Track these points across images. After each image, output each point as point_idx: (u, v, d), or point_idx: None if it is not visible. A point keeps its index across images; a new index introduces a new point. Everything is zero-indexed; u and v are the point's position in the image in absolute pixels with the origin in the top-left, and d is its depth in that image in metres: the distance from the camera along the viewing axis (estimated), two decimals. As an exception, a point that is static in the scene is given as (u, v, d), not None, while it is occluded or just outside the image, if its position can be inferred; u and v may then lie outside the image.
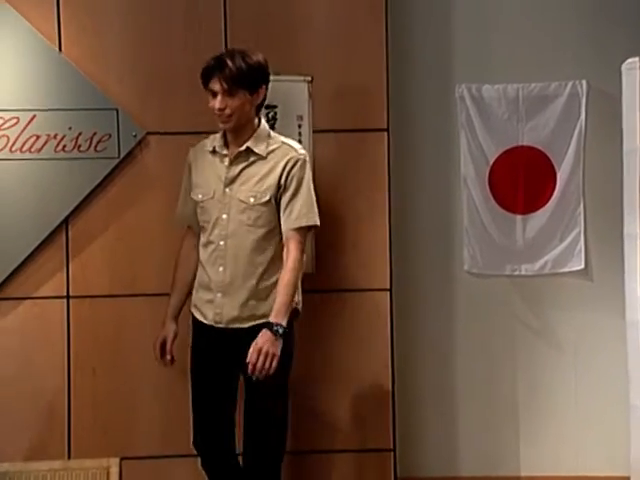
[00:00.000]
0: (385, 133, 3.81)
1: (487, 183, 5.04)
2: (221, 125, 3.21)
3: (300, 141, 3.76)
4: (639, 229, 4.53)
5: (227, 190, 3.23)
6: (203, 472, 3.40)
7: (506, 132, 5.07)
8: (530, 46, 5.04)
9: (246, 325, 3.23)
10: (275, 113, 3.76)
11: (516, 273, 5.05)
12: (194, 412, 3.36)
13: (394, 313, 3.91)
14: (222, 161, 3.26)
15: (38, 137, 3.64)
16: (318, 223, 3.27)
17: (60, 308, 3.74)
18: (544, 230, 5.05)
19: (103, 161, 3.68)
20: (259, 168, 3.23)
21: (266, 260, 3.24)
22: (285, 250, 3.22)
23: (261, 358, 3.09)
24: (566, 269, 5.04)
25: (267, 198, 3.21)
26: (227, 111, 3.15)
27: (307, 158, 3.27)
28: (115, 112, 3.67)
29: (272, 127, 3.75)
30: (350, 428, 3.81)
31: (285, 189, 3.22)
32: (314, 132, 3.79)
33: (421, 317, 4.57)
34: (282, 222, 3.24)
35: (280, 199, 3.23)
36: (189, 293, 3.38)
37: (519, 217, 5.03)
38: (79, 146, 3.65)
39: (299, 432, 3.71)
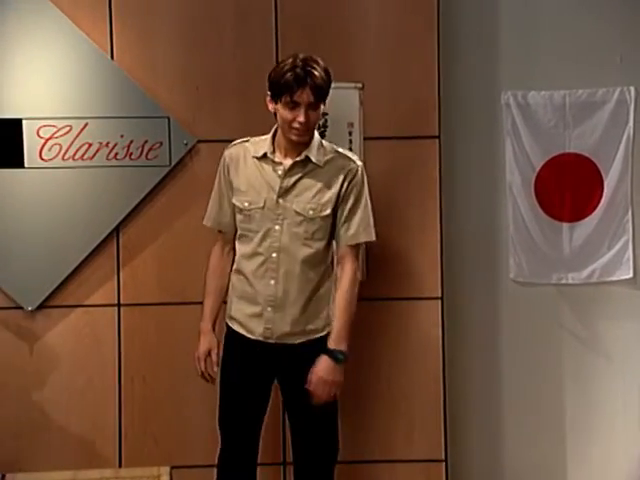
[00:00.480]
0: (437, 140, 3.79)
1: (533, 190, 5.00)
2: (295, 138, 3.07)
3: (351, 149, 3.74)
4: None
5: (280, 200, 3.11)
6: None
7: (552, 139, 5.03)
8: (577, 52, 5.00)
9: (297, 341, 3.15)
10: (326, 120, 3.74)
11: (563, 282, 5.01)
12: (224, 426, 3.30)
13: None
14: (274, 169, 3.13)
15: (90, 145, 3.64)
16: (374, 238, 3.21)
17: (111, 316, 3.73)
18: (591, 238, 5.01)
19: (154, 169, 3.68)
20: (316, 179, 3.12)
21: (319, 274, 3.15)
22: (339, 267, 3.14)
23: (324, 388, 3.06)
24: (614, 278, 4.99)
25: (328, 212, 3.12)
26: (309, 124, 3.05)
27: (364, 168, 3.20)
28: (166, 120, 3.66)
29: (322, 135, 3.74)
30: (401, 438, 3.78)
31: (344, 201, 3.13)
32: (365, 139, 3.76)
33: (467, 325, 4.54)
34: (338, 236, 3.15)
35: (337, 211, 3.13)
36: (223, 302, 3.31)
37: (566, 225, 4.99)
38: (131, 154, 3.65)
39: (349, 442, 3.68)
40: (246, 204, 3.14)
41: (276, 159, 3.11)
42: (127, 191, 3.68)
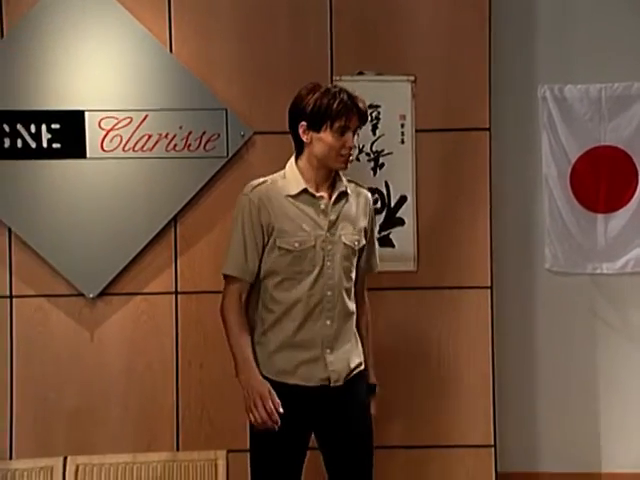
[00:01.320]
0: (487, 132, 3.84)
1: (569, 182, 5.07)
2: (342, 165, 2.95)
3: (403, 141, 3.81)
4: None
5: (328, 235, 2.95)
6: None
7: (588, 132, 5.09)
8: (613, 46, 5.06)
9: (352, 374, 3.04)
10: (379, 113, 3.81)
11: (597, 272, 5.07)
12: None
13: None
14: (316, 204, 2.96)
15: (150, 136, 3.71)
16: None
17: (169, 303, 3.80)
18: (626, 229, 5.07)
19: (212, 160, 3.74)
20: (351, 209, 3.02)
21: (354, 306, 3.05)
22: (359, 297, 3.11)
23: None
24: (648, 268, 5.06)
25: (364, 241, 3.06)
26: (352, 151, 2.96)
27: None
28: (224, 112, 3.73)
29: (375, 127, 3.81)
30: (451, 424, 3.84)
31: (370, 231, 3.11)
32: (417, 131, 3.82)
33: (506, 314, 4.60)
34: (364, 265, 3.12)
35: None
36: None
37: (600, 216, 5.05)
38: (189, 145, 3.72)
39: (400, 427, 3.75)
40: (297, 245, 2.92)
41: (317, 194, 2.96)
42: (185, 182, 3.74)
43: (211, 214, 3.79)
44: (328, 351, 2.95)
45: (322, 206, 2.95)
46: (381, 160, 3.78)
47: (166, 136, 3.70)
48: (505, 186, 4.50)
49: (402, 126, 3.80)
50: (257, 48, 3.79)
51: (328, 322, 2.94)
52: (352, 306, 3.02)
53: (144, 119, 3.69)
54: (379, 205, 3.81)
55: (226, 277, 3.00)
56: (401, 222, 3.78)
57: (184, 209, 3.76)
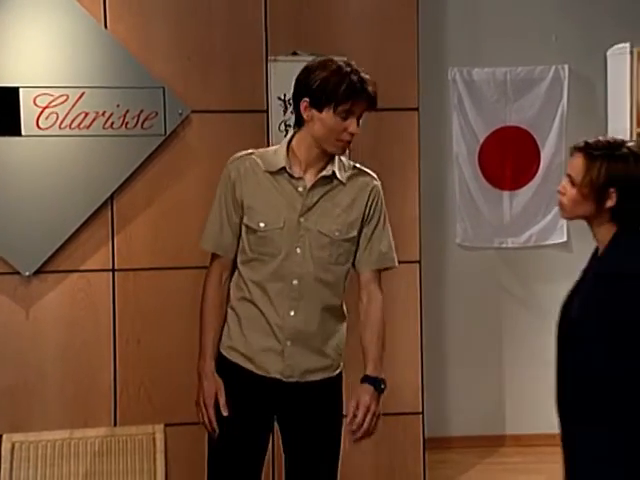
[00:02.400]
0: (416, 112, 3.94)
1: (477, 161, 5.26)
2: (334, 150, 2.66)
3: (336, 120, 3.85)
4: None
5: (302, 220, 2.65)
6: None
7: (495, 113, 5.29)
8: (517, 32, 5.26)
9: (319, 377, 2.72)
10: (313, 93, 3.85)
11: (503, 246, 5.30)
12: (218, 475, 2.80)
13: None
14: (294, 185, 2.66)
15: (87, 114, 3.65)
16: (397, 264, 2.85)
17: (106, 281, 3.76)
18: (529, 205, 5.31)
19: (150, 138, 3.71)
20: (340, 197, 2.69)
21: (339, 303, 2.76)
22: (364, 293, 2.78)
23: (369, 419, 2.70)
24: (549, 242, 5.32)
25: (354, 233, 2.71)
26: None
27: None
28: (162, 90, 3.70)
29: (309, 106, 3.84)
30: (385, 393, 3.94)
31: (369, 222, 2.75)
32: (349, 111, 3.88)
33: (422, 288, 4.73)
34: (361, 260, 2.76)
35: (361, 233, 2.75)
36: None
37: (506, 193, 5.27)
38: (126, 123, 3.68)
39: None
40: (262, 225, 2.65)
41: (295, 174, 2.66)
42: (122, 160, 3.70)
43: (148, 192, 3.77)
44: (289, 344, 2.66)
45: (300, 188, 2.65)
46: (315, 139, 3.82)
47: (103, 114, 3.65)
48: (421, 165, 4.63)
49: (336, 106, 3.84)
50: (193, 27, 3.77)
51: (292, 312, 2.65)
52: (336, 301, 2.73)
53: (80, 96, 3.63)
54: (314, 183, 3.85)
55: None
56: (335, 199, 3.82)
57: (121, 187, 3.72)
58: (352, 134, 2.62)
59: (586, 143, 2.49)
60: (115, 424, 3.77)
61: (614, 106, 5.05)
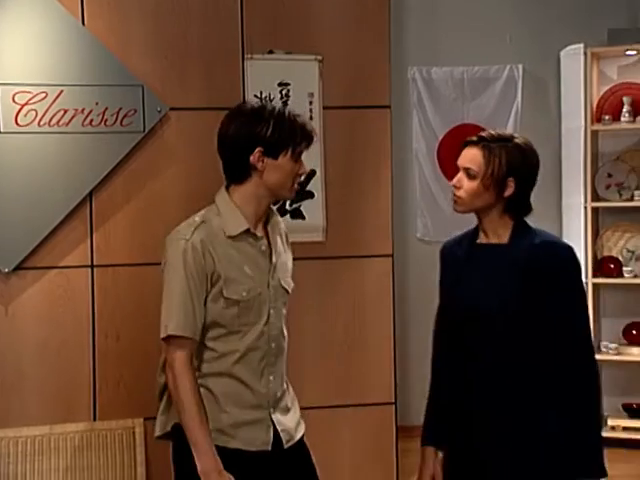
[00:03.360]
0: (388, 110, 3.99)
1: (436, 158, 5.35)
2: (290, 195, 2.64)
3: (311, 117, 3.90)
4: (583, 199, 4.96)
5: (270, 280, 2.54)
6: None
7: (453, 111, 5.39)
8: (474, 32, 5.37)
9: (301, 433, 2.67)
10: (288, 90, 3.88)
11: (462, 240, 5.37)
12: None
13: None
14: (256, 246, 2.54)
15: (66, 111, 3.60)
16: None
17: (85, 277, 3.73)
18: (486, 200, 5.39)
19: (129, 135, 3.68)
20: (279, 244, 2.64)
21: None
22: None
23: None
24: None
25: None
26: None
27: None
28: (140, 88, 3.67)
29: (285, 104, 3.88)
30: (358, 384, 3.99)
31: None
32: (324, 108, 3.92)
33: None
34: None
35: None
36: None
37: (463, 188, 5.33)
38: (106, 120, 3.64)
39: (312, 390, 3.86)
40: (244, 294, 2.47)
41: (258, 233, 2.54)
42: (102, 157, 3.65)
43: (127, 189, 3.74)
44: (272, 410, 2.54)
45: (263, 247, 2.51)
46: (291, 136, 3.84)
47: (82, 111, 3.61)
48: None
49: (310, 103, 3.88)
50: (170, 25, 3.74)
51: (271, 378, 2.53)
52: (285, 355, 2.66)
53: (59, 94, 3.58)
54: (290, 179, 3.88)
55: (168, 338, 2.49)
56: (311, 195, 3.87)
57: (100, 184, 3.68)
58: (305, 173, 2.59)
59: (480, 137, 2.53)
60: (95, 419, 3.74)
61: (567, 105, 5.18)
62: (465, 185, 2.52)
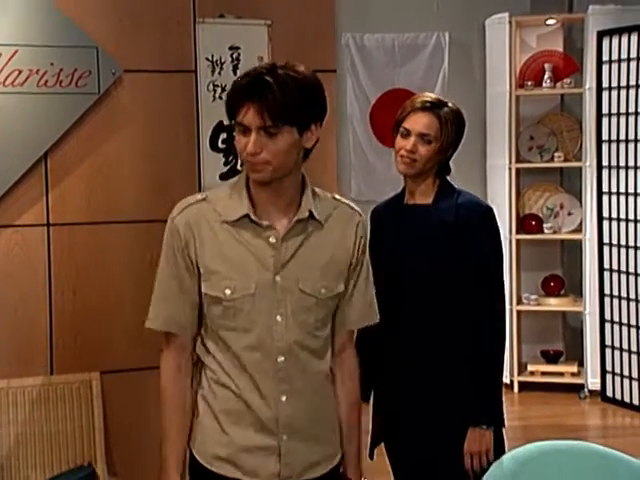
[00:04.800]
0: (334, 74, 4.03)
1: (369, 121, 5.43)
2: (254, 175, 1.93)
3: (261, 80, 3.90)
4: (507, 160, 5.11)
5: (278, 280, 1.94)
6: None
7: (384, 76, 5.47)
8: (404, 0, 5.44)
9: (320, 472, 2.03)
10: (239, 54, 3.87)
11: (393, 199, 5.48)
12: None
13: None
14: (262, 236, 1.94)
15: (20, 72, 3.52)
16: (378, 319, 2.15)
17: (41, 235, 3.68)
18: (415, 161, 5.51)
19: (84, 96, 3.62)
20: (320, 241, 1.98)
21: (327, 375, 2.05)
22: (338, 361, 2.08)
23: None
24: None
25: (342, 287, 2.02)
26: (263, 155, 1.89)
27: None
28: (95, 50, 3.61)
29: (236, 67, 3.88)
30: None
31: (354, 271, 2.04)
32: (273, 73, 3.93)
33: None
34: (340, 318, 2.06)
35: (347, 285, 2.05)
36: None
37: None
38: (61, 81, 3.57)
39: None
40: (228, 292, 1.93)
41: (263, 221, 1.94)
42: (57, 117, 3.58)
43: (82, 149, 3.67)
44: (285, 437, 1.96)
45: (271, 239, 1.93)
46: (241, 98, 3.86)
47: (37, 72, 3.53)
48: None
49: (260, 67, 3.88)
50: (123, -14, 3.70)
51: (283, 398, 1.95)
52: (326, 370, 2.04)
53: (14, 54, 3.49)
54: (241, 140, 3.89)
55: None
56: (261, 156, 3.89)
57: (55, 144, 3.63)
58: (249, 153, 1.88)
59: (432, 103, 2.55)
60: (52, 373, 3.72)
61: (492, 71, 5.30)
62: (420, 149, 2.52)
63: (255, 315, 1.95)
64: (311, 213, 1.97)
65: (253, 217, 1.95)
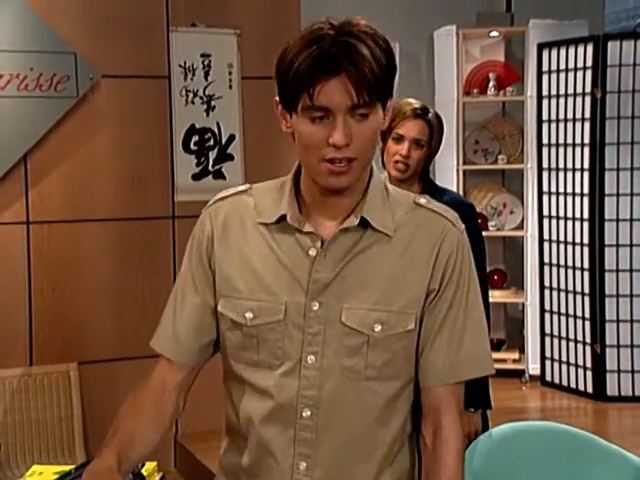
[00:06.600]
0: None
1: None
2: (331, 180, 1.35)
3: (231, 87, 3.92)
4: (455, 162, 5.20)
5: (314, 306, 1.38)
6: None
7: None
8: (359, 11, 5.46)
9: None
10: (210, 61, 3.87)
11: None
12: None
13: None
14: (304, 246, 1.40)
15: (1, 76, 3.47)
16: (494, 370, 1.47)
17: (21, 233, 3.65)
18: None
19: (63, 100, 3.59)
20: (381, 259, 1.39)
21: (390, 441, 1.41)
22: (430, 424, 1.42)
23: None
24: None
25: (412, 325, 1.39)
26: (352, 148, 1.32)
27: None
28: (73, 56, 3.59)
29: (207, 74, 3.89)
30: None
31: (438, 300, 1.41)
32: (242, 78, 3.95)
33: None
34: (427, 367, 1.41)
35: (425, 321, 1.41)
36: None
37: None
38: (40, 86, 3.54)
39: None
40: (249, 315, 1.40)
41: (305, 228, 1.40)
42: (37, 120, 3.57)
43: (60, 150, 3.65)
44: None
45: (312, 251, 1.39)
46: (213, 103, 3.86)
47: (17, 76, 3.49)
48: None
49: (230, 74, 3.89)
50: (100, -2, 3.68)
51: (302, 466, 1.37)
52: (381, 439, 1.40)
53: (-5, 59, 3.46)
54: (212, 143, 3.91)
55: None
56: (231, 157, 3.89)
57: (35, 146, 3.60)
58: (338, 146, 1.30)
59: (421, 110, 2.60)
60: (32, 364, 3.69)
61: (440, 80, 5.37)
62: (413, 154, 2.56)
63: (282, 349, 1.38)
64: (363, 220, 1.37)
65: (290, 220, 1.38)
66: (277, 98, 1.37)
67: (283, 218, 1.39)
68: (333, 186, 1.35)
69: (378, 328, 1.36)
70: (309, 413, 1.36)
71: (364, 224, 1.38)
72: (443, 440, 1.38)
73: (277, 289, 1.38)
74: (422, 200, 1.44)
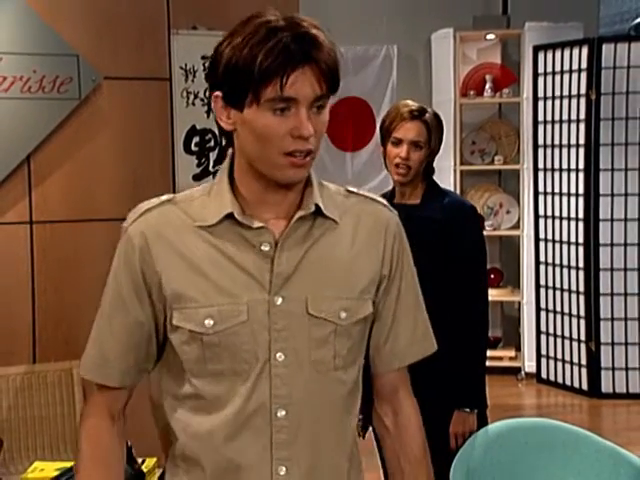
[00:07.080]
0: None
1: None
2: (293, 174, 1.32)
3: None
4: (452, 162, 5.21)
5: (277, 300, 1.32)
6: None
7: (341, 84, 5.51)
8: (359, 14, 5.50)
9: None
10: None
11: (347, 199, 5.55)
12: None
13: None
14: (254, 242, 1.33)
15: (5, 78, 3.48)
16: (436, 346, 1.49)
17: (24, 233, 3.65)
18: (367, 165, 5.60)
19: (65, 102, 3.60)
20: (334, 247, 1.36)
21: (354, 431, 1.40)
22: (389, 409, 1.45)
23: None
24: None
25: (370, 309, 1.38)
26: (311, 140, 1.31)
27: None
28: (76, 58, 3.59)
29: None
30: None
31: (390, 285, 1.41)
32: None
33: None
34: (381, 352, 1.43)
35: (379, 304, 1.41)
36: None
37: (349, 154, 5.52)
38: (43, 88, 3.54)
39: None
40: (209, 322, 1.31)
41: (255, 224, 1.33)
42: (40, 122, 3.56)
43: (63, 152, 3.64)
44: None
45: (264, 246, 1.32)
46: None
47: (21, 78, 3.49)
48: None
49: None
50: (102, 0, 3.69)
51: (282, 470, 1.30)
52: (349, 430, 1.39)
53: (-1, 61, 3.47)
54: (212, 144, 3.91)
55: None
56: (231, 158, 3.90)
57: (38, 147, 3.60)
58: (305, 137, 1.29)
59: (418, 112, 2.58)
60: (35, 362, 3.69)
61: (438, 81, 5.38)
62: (412, 156, 2.54)
63: (246, 353, 1.30)
64: (318, 208, 1.34)
65: (239, 217, 1.31)
66: (218, 93, 1.31)
67: (227, 217, 1.33)
68: (290, 179, 1.31)
69: (343, 315, 1.34)
70: (284, 413, 1.31)
71: (314, 213, 1.35)
72: (406, 420, 1.43)
73: (235, 290, 1.31)
74: (350, 187, 1.45)
